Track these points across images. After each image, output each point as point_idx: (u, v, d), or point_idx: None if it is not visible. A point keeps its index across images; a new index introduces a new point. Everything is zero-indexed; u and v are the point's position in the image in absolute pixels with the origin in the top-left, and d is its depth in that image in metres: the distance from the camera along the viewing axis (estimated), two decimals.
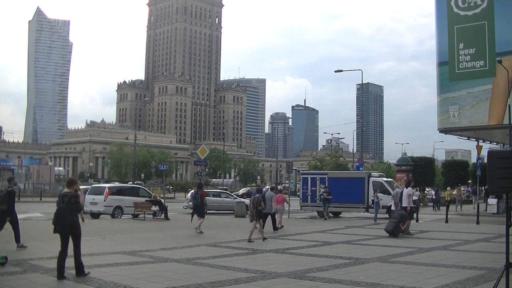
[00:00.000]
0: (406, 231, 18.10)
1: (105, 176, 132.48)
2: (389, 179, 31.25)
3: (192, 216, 18.92)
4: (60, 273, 9.04)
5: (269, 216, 18.86)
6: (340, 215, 29.47)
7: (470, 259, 12.45)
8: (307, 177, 30.24)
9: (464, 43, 27.54)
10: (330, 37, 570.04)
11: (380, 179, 28.22)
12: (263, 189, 23.05)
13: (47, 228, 19.06)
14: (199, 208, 18.16)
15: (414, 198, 22.80)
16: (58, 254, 9.12)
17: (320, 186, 28.33)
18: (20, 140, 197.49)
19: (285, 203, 21.34)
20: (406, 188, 19.40)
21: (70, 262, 9.20)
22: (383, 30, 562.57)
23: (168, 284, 8.84)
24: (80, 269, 9.27)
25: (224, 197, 33.03)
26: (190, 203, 24.04)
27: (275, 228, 19.36)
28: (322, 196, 26.97)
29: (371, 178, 28.12)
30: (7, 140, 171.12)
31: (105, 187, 27.06)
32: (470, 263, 11.54)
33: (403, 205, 18.96)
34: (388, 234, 17.49)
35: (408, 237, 17.62)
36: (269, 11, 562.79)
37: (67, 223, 9.10)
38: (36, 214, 26.71)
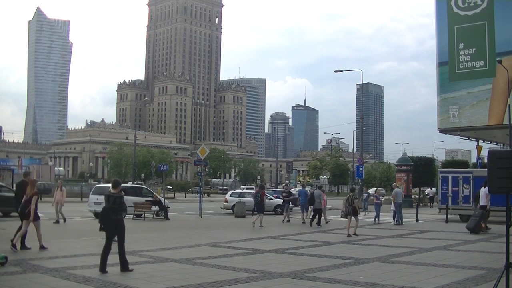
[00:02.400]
0: (485, 229, 19.06)
1: (105, 176, 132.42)
2: None
3: (253, 213, 22.16)
4: (102, 267, 9.64)
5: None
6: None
7: (470, 259, 12.45)
8: (447, 176, 26.80)
9: (464, 43, 27.53)
10: (330, 37, 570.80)
11: None
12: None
13: (47, 228, 19.09)
14: (259, 205, 21.06)
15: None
16: (102, 249, 9.79)
17: (463, 186, 25.38)
18: (20, 140, 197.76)
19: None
20: (484, 187, 19.14)
21: (92, 260, 9.20)
22: (383, 30, 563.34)
23: (168, 284, 8.84)
24: (124, 265, 9.81)
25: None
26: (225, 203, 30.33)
27: (319, 224, 21.86)
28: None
29: None
30: (7, 140, 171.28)
31: (109, 187, 27.06)
32: (470, 263, 11.53)
33: (481, 204, 19.46)
34: (469, 232, 18.40)
35: (487, 233, 18.59)
36: (269, 11, 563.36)
37: (111, 222, 9.75)
38: None
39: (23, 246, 12.58)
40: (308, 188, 28.52)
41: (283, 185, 27.99)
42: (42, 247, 12.70)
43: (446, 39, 28.42)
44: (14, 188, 13.02)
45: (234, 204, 29.95)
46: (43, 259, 11.32)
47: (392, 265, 11.45)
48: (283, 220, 23.80)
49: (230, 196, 33.10)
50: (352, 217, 17.93)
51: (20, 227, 12.61)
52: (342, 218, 23.72)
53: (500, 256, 10.74)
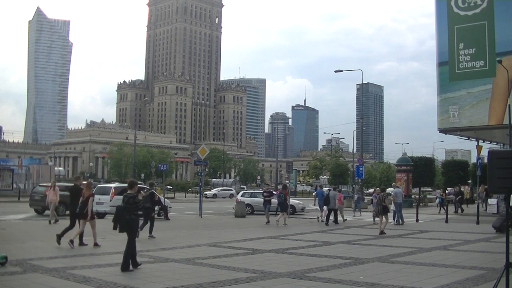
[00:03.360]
0: None
1: (105, 176, 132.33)
2: None
3: (277, 211, 23.91)
4: (134, 262, 10.20)
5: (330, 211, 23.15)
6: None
7: (470, 259, 12.45)
8: None
9: (464, 43, 27.55)
10: (331, 37, 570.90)
11: None
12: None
13: (47, 228, 19.11)
14: (283, 205, 22.66)
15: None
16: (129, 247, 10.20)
17: None
18: (20, 140, 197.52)
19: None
20: None
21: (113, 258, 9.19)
22: (384, 30, 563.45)
23: (168, 284, 8.84)
24: (125, 264, 10.03)
25: (274, 198, 32.15)
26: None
27: (336, 222, 23.23)
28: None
29: None
30: (7, 140, 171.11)
31: (111, 187, 26.99)
32: (470, 263, 11.53)
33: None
34: (495, 231, 18.57)
35: None
36: (269, 11, 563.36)
37: (124, 221, 10.16)
38: (36, 214, 26.69)
39: (81, 243, 13.67)
40: (326, 189, 29.62)
41: (265, 185, 28.00)
42: (96, 245, 13.59)
43: (446, 39, 28.44)
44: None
45: (246, 204, 30.17)
46: (43, 259, 11.32)
47: (392, 265, 11.45)
48: (267, 222, 22.75)
49: (242, 196, 33.12)
50: (383, 215, 19.15)
51: (70, 226, 13.84)
52: (353, 218, 24.63)
53: (500, 256, 10.74)
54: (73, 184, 15.20)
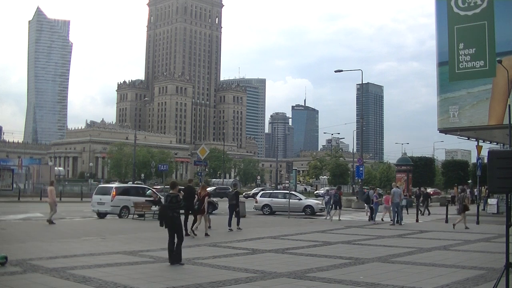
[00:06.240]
0: None
1: (105, 176, 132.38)
2: None
3: (330, 210, 26.62)
4: (170, 259, 10.95)
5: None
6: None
7: (470, 259, 12.45)
8: None
9: (464, 43, 27.53)
10: (331, 37, 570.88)
11: None
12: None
13: (47, 228, 19.12)
14: (337, 203, 25.96)
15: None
16: (167, 243, 11.10)
17: None
18: (20, 140, 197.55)
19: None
20: None
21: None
22: (384, 30, 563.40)
23: (168, 284, 8.84)
24: (177, 258, 10.90)
25: (292, 199, 30.84)
26: (256, 204, 32.20)
27: (372, 219, 25.18)
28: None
29: None
30: (7, 140, 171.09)
31: (112, 187, 26.94)
32: (470, 263, 11.53)
33: None
34: None
35: None
36: (269, 11, 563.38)
37: (168, 218, 10.99)
38: (36, 214, 26.68)
39: (194, 233, 16.92)
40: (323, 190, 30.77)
41: (231, 185, 27.57)
42: (206, 235, 17.00)
43: (446, 39, 28.43)
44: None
45: (264, 205, 30.50)
46: (43, 259, 11.32)
47: (392, 265, 11.45)
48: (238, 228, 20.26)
49: (261, 196, 33.09)
50: (462, 213, 21.37)
51: (194, 221, 17.29)
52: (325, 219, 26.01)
53: (500, 256, 10.74)
54: (187, 186, 18.21)
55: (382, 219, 25.05)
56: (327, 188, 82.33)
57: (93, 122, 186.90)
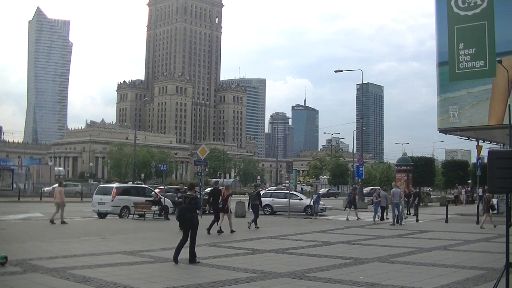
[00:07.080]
0: None
1: (105, 176, 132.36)
2: None
3: (345, 208, 28.34)
4: (175, 256, 11.01)
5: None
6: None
7: (470, 259, 12.45)
8: None
9: (464, 43, 27.51)
10: (331, 37, 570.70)
11: None
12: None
13: (47, 228, 19.12)
14: (352, 202, 27.32)
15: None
16: (179, 241, 11.17)
17: None
18: (20, 140, 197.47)
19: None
20: None
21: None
22: (384, 30, 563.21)
23: (168, 284, 8.84)
24: (192, 258, 11.05)
25: (292, 199, 30.64)
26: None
27: (383, 219, 25.36)
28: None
29: None
30: (7, 140, 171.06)
31: (112, 187, 26.91)
32: (470, 263, 11.54)
33: None
34: None
35: None
36: (269, 11, 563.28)
37: (187, 219, 11.21)
38: (36, 214, 26.69)
39: (220, 231, 17.93)
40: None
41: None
42: (232, 231, 18.20)
43: (446, 39, 28.39)
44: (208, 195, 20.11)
45: (265, 205, 29.96)
46: (43, 259, 11.32)
47: (392, 265, 11.45)
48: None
49: (261, 196, 32.88)
50: (487, 213, 21.83)
51: (215, 219, 18.30)
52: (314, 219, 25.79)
53: (500, 256, 10.74)
54: (213, 187, 19.85)
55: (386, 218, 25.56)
56: (327, 188, 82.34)
57: (93, 122, 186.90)
